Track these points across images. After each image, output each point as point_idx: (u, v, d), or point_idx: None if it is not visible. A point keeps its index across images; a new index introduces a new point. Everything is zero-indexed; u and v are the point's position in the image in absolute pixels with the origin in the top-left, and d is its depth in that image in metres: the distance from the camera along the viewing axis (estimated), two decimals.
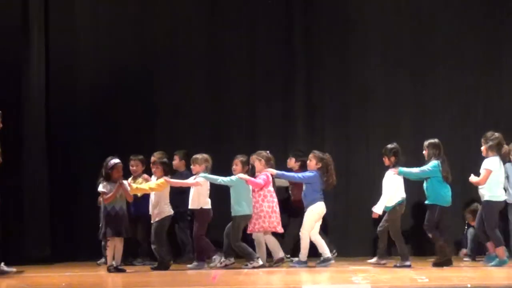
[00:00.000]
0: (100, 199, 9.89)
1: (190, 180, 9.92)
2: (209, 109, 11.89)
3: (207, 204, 9.91)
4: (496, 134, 9.55)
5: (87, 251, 11.36)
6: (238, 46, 11.97)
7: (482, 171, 9.51)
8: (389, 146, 9.81)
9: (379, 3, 11.90)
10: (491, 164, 9.48)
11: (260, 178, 9.87)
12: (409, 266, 9.46)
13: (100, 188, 9.51)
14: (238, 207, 9.81)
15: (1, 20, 11.24)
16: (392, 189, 9.62)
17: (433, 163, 9.65)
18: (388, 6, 11.83)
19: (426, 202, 9.71)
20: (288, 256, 10.40)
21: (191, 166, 9.99)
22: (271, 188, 9.94)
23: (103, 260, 10.70)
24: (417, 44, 11.77)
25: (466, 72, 11.70)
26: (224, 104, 11.91)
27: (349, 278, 8.19)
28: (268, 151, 10.12)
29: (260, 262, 9.68)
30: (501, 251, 9.41)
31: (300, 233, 9.88)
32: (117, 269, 9.37)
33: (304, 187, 9.93)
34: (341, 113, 11.77)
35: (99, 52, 12.03)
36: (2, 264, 8.91)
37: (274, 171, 9.90)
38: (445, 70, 11.74)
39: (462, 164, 10.91)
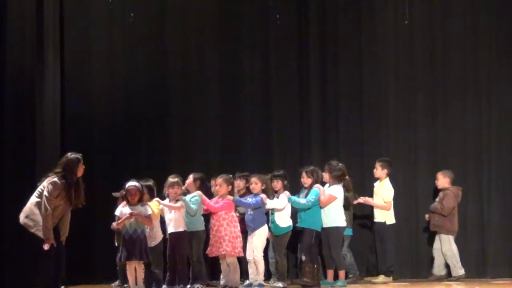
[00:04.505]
0: (114, 223, 9.93)
1: (177, 204, 9.89)
2: (221, 130, 11.94)
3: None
4: (340, 165, 10.37)
5: (101, 274, 11.39)
6: (251, 65, 12.02)
7: (327, 195, 10.20)
8: (277, 172, 10.38)
9: (393, 22, 11.94)
10: (337, 192, 10.27)
11: (220, 203, 9.90)
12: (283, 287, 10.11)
13: (116, 211, 9.56)
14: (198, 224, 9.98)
15: (16, 40, 11.29)
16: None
17: (315, 191, 10.19)
18: (402, 25, 11.80)
19: (301, 225, 10.22)
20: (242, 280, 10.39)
21: (170, 190, 9.91)
22: (234, 214, 9.99)
23: (117, 283, 10.74)
24: (430, 65, 11.80)
25: (480, 92, 11.72)
26: (236, 125, 11.95)
27: None
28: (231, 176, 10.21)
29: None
30: (344, 274, 10.28)
31: (255, 257, 9.98)
32: None
33: (251, 212, 10.05)
34: (356, 134, 11.78)
35: (113, 74, 12.11)
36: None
37: (231, 197, 9.98)
38: (458, 90, 11.75)
39: (480, 183, 11.32)
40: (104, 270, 11.32)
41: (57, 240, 8.72)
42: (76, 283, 10.86)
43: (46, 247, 8.51)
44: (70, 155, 8.93)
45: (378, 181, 11.08)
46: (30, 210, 8.64)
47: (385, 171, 11.01)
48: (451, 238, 11.00)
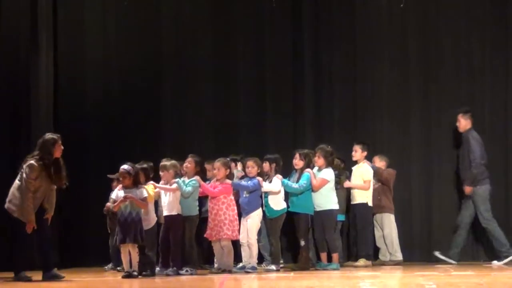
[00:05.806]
0: (108, 204, 9.93)
1: (173, 186, 9.87)
2: (216, 113, 11.97)
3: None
4: (330, 148, 10.40)
5: (94, 257, 11.45)
6: (245, 48, 12.08)
7: (319, 179, 10.21)
8: (269, 155, 10.40)
9: (387, 7, 11.94)
10: (329, 175, 10.29)
11: (218, 188, 9.89)
12: (277, 270, 10.03)
13: (112, 194, 9.56)
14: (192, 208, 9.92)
15: (10, 26, 11.27)
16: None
17: (307, 175, 10.16)
18: (397, 9, 11.83)
19: (293, 209, 10.21)
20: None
21: (161, 173, 9.90)
22: (232, 197, 9.99)
23: (110, 265, 10.74)
24: (424, 51, 11.79)
25: (473, 78, 11.70)
26: (231, 109, 11.97)
27: (357, 284, 8.16)
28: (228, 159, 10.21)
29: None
30: (338, 256, 10.31)
31: (249, 241, 9.98)
32: (130, 276, 9.27)
33: (247, 194, 10.05)
34: (349, 119, 11.83)
35: (107, 57, 12.14)
36: (55, 269, 8.96)
37: (230, 181, 9.98)
38: (451, 77, 11.74)
39: None
40: (97, 253, 11.39)
41: (41, 219, 8.69)
42: (69, 266, 10.87)
43: (28, 230, 8.49)
44: (47, 135, 8.88)
45: (356, 164, 11.09)
46: (13, 195, 8.67)
47: (365, 153, 11.07)
48: (392, 218, 11.08)
